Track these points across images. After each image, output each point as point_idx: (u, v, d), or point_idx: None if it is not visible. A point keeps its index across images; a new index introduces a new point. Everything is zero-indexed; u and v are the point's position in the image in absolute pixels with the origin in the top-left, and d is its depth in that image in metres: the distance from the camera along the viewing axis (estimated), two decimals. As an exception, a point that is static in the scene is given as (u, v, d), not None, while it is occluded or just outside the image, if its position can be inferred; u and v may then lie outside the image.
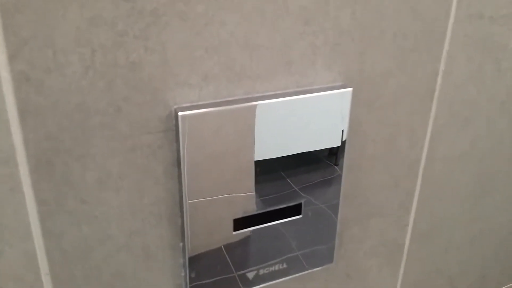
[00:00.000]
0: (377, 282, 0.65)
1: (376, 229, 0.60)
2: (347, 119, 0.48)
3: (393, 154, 0.56)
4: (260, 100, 0.44)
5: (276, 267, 0.52)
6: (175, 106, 0.42)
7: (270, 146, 0.45)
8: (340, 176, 0.51)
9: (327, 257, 0.56)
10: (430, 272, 0.70)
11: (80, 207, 0.42)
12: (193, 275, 0.48)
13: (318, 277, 0.59)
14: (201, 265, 0.48)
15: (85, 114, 0.39)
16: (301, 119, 0.46)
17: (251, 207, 0.48)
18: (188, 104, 0.42)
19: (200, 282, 0.49)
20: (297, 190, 0.49)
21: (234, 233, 0.48)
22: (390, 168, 0.56)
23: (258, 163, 0.46)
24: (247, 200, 0.47)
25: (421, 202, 0.62)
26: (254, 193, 0.47)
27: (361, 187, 0.56)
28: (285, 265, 0.53)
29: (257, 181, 0.46)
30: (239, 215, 0.47)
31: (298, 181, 0.49)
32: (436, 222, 0.65)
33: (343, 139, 0.49)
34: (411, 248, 0.65)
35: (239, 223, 0.48)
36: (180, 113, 0.41)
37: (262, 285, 0.53)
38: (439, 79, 0.54)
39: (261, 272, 0.52)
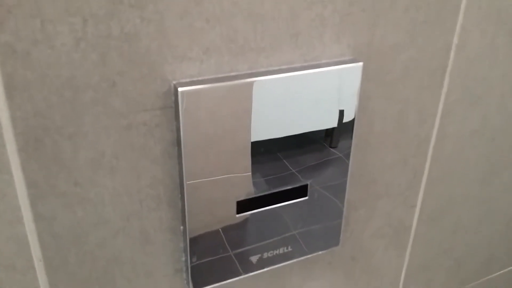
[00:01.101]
0: (382, 264, 0.63)
1: (383, 211, 0.58)
2: (356, 96, 0.45)
3: (402, 132, 0.53)
4: (265, 76, 0.41)
5: (281, 251, 0.50)
6: (174, 82, 0.39)
7: (277, 124, 0.43)
8: (348, 155, 0.48)
9: (332, 240, 0.53)
10: (437, 254, 0.68)
11: (73, 189, 0.39)
12: (194, 259, 0.46)
13: (322, 260, 0.57)
14: (202, 249, 0.46)
15: (76, 89, 0.36)
16: (309, 95, 0.43)
17: (255, 189, 0.45)
18: (188, 80, 0.39)
19: (202, 267, 0.47)
20: (303, 171, 0.47)
21: (237, 215, 0.46)
22: (398, 146, 0.54)
23: (262, 142, 0.43)
24: (250, 182, 0.44)
25: (429, 182, 0.59)
26: (258, 174, 0.44)
27: (368, 166, 0.53)
28: (289, 248, 0.51)
29: (261, 162, 0.44)
30: (243, 197, 0.45)
31: (303, 161, 0.46)
32: (444, 202, 0.63)
33: (352, 117, 0.46)
34: (418, 229, 0.63)
35: (243, 205, 0.45)
36: (180, 89, 0.38)
37: (266, 269, 0.51)
38: (452, 54, 0.51)
39: (265, 255, 0.50)
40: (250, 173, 0.44)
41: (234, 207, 0.45)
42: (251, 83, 0.40)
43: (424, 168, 0.58)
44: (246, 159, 0.43)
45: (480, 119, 0.58)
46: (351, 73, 0.44)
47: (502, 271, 0.80)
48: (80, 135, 0.38)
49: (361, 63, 0.44)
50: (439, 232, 0.66)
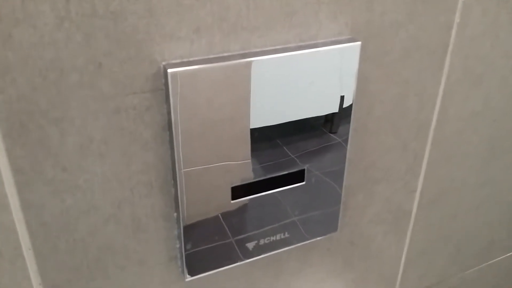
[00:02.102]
0: (382, 250, 0.62)
1: (382, 196, 0.57)
2: (354, 77, 0.44)
3: (401, 114, 0.52)
4: (258, 56, 0.39)
5: (278, 237, 0.49)
6: (163, 63, 0.37)
7: (270, 109, 0.41)
8: (346, 139, 0.47)
9: (331, 226, 0.52)
10: (437, 239, 0.67)
11: (61, 176, 0.38)
12: (188, 246, 0.45)
13: (320, 246, 0.56)
14: (197, 236, 0.45)
15: (61, 71, 0.35)
16: (305, 77, 0.41)
17: (250, 174, 0.44)
18: (178, 61, 0.38)
19: (197, 254, 0.46)
20: (301, 156, 0.45)
21: (232, 201, 0.44)
22: (398, 130, 0.52)
23: (260, 128, 0.42)
24: (245, 167, 0.43)
25: (430, 166, 0.58)
26: (251, 159, 0.43)
27: (367, 150, 0.52)
28: (287, 235, 0.49)
29: (256, 147, 0.42)
30: (238, 182, 0.43)
31: (300, 146, 0.45)
32: (445, 187, 0.62)
33: (351, 100, 0.45)
34: (418, 214, 0.62)
35: (238, 191, 0.44)
36: (169, 70, 0.36)
37: (262, 256, 0.49)
38: (453, 32, 0.50)
39: (262, 242, 0.48)
40: (247, 160, 0.43)
41: (229, 193, 0.44)
42: (245, 64, 0.38)
43: (424, 152, 0.56)
44: (241, 144, 0.42)
45: (481, 100, 0.57)
46: (349, 53, 0.42)
47: (502, 256, 0.79)
48: (67, 119, 0.36)
49: (359, 43, 0.42)
50: (439, 217, 0.65)
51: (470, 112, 0.57)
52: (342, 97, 0.44)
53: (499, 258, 0.78)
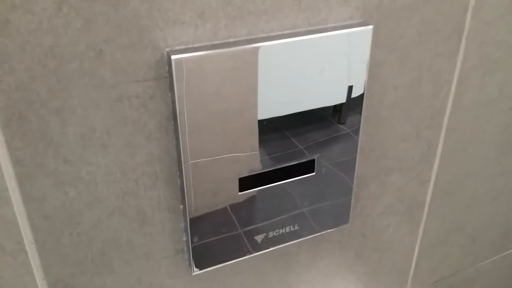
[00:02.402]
0: (394, 241, 0.60)
1: (395, 186, 0.55)
2: (366, 63, 0.42)
3: (415, 102, 0.50)
4: (265, 41, 0.37)
5: (287, 229, 0.48)
6: (167, 49, 0.36)
7: (278, 97, 0.40)
8: (357, 128, 0.45)
9: (342, 217, 0.51)
10: (451, 230, 0.65)
11: (63, 167, 0.37)
12: (195, 239, 0.44)
13: (331, 238, 0.54)
14: (204, 229, 0.43)
15: (61, 59, 0.33)
16: (315, 63, 0.40)
17: (258, 165, 0.42)
18: (183, 47, 0.36)
19: (204, 247, 0.44)
20: (310, 145, 0.44)
21: (240, 193, 0.43)
22: (411, 118, 0.51)
23: (264, 116, 0.40)
24: (253, 158, 0.42)
25: (444, 155, 0.56)
26: (259, 150, 0.41)
27: (379, 139, 0.50)
28: (296, 227, 0.48)
29: (265, 136, 0.41)
30: (245, 173, 0.42)
31: (311, 135, 0.43)
32: (459, 176, 0.60)
33: (363, 86, 0.43)
34: (432, 205, 0.60)
35: (246, 183, 0.43)
36: (173, 57, 0.35)
37: (271, 248, 0.48)
38: (469, 16, 0.48)
39: (271, 234, 0.47)
40: (255, 151, 0.41)
41: (236, 185, 0.42)
42: (252, 50, 0.37)
43: (438, 140, 0.54)
44: (248, 133, 0.40)
45: (497, 87, 0.55)
46: (360, 37, 0.41)
47: (518, 247, 0.77)
48: (68, 109, 0.35)
49: (371, 27, 0.41)
50: (454, 208, 0.63)
51: (485, 99, 0.55)
52: (354, 84, 0.42)
53: (514, 249, 0.76)
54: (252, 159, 0.42)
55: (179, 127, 0.38)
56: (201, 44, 0.37)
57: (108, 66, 0.35)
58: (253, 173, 0.42)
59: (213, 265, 0.46)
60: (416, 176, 0.56)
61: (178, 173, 0.41)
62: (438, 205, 0.61)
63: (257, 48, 0.37)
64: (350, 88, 0.42)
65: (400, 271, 0.65)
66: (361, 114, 0.45)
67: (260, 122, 0.40)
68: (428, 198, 0.59)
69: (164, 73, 0.37)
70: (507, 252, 0.76)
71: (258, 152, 0.41)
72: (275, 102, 0.40)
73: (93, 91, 0.35)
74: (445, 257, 0.68)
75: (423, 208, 0.60)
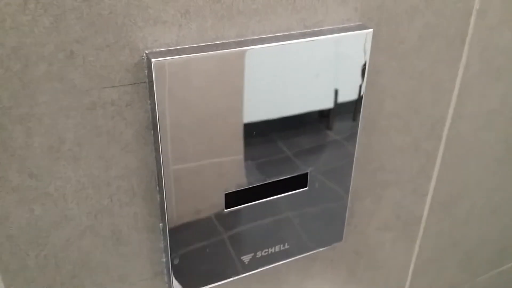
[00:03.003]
0: (389, 259, 0.57)
1: (391, 200, 0.52)
2: (365, 69, 0.39)
3: (414, 111, 0.46)
4: (256, 44, 0.34)
5: (277, 248, 0.44)
6: (146, 51, 0.32)
7: (272, 103, 0.36)
8: (354, 139, 0.42)
9: (335, 235, 0.47)
10: (448, 246, 0.62)
11: (28, 182, 0.33)
12: (176, 261, 0.40)
13: (323, 256, 0.51)
14: (186, 249, 0.39)
15: (26, 61, 0.29)
16: (309, 68, 0.36)
17: (247, 180, 0.39)
18: (164, 49, 0.33)
19: (186, 269, 0.40)
20: (303, 158, 0.40)
21: (226, 210, 0.39)
22: (410, 128, 0.47)
23: (255, 125, 0.36)
24: (241, 172, 0.38)
25: (443, 167, 0.53)
26: (250, 162, 0.38)
27: (376, 151, 0.47)
28: (286, 246, 0.44)
29: (253, 148, 0.37)
30: (232, 188, 0.38)
31: (303, 147, 0.40)
32: (458, 190, 0.57)
33: (360, 94, 0.40)
34: (429, 220, 0.57)
35: (232, 198, 0.39)
36: (153, 60, 0.31)
37: (258, 270, 0.44)
38: (472, 20, 0.45)
39: (259, 254, 0.43)
40: (242, 162, 0.37)
41: (222, 201, 0.39)
42: (241, 54, 0.33)
43: (437, 152, 0.51)
44: (236, 145, 0.37)
45: (499, 97, 0.52)
46: (359, 41, 0.37)
47: (514, 262, 0.74)
48: (34, 117, 0.31)
49: (370, 30, 0.37)
50: (451, 223, 0.60)
51: (486, 109, 0.52)
52: (350, 92, 0.39)
53: (510, 265, 0.74)
54: (239, 173, 0.38)
55: (159, 137, 0.34)
56: (185, 46, 0.33)
57: (79, 69, 0.31)
58: (241, 188, 0.39)
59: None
60: (413, 190, 0.53)
61: (157, 188, 0.37)
62: (435, 220, 0.58)
63: (248, 52, 0.33)
64: (350, 94, 0.39)
65: (394, 288, 0.62)
66: (357, 123, 0.41)
67: (250, 133, 0.36)
68: (425, 213, 0.56)
69: (143, 78, 0.33)
70: (502, 268, 0.73)
71: (246, 164, 0.38)
72: (265, 109, 0.36)
73: (62, 98, 0.31)
74: (441, 273, 0.65)
75: (419, 223, 0.56)
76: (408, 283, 0.62)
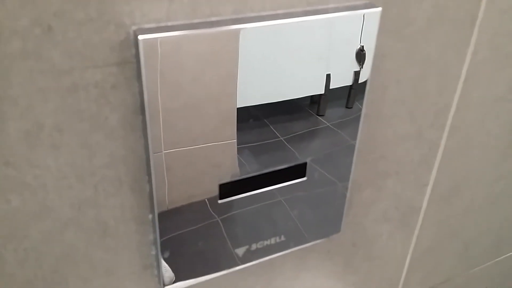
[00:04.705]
0: (386, 250, 0.55)
1: (391, 191, 0.49)
2: (372, 52, 0.36)
3: (419, 97, 0.44)
4: (255, 22, 0.31)
5: (273, 241, 0.42)
6: (133, 27, 0.29)
7: (265, 87, 0.33)
8: (357, 126, 0.39)
9: (333, 226, 0.45)
10: (445, 237, 0.60)
11: (4, 171, 0.30)
12: (166, 254, 0.37)
13: (319, 248, 0.48)
14: (177, 241, 0.37)
15: (-3, 36, 0.26)
16: (312, 49, 0.33)
17: (242, 169, 0.36)
18: (153, 25, 0.30)
19: (177, 262, 0.38)
20: (300, 146, 0.38)
21: (220, 201, 0.37)
22: (414, 115, 0.45)
23: (250, 109, 0.34)
24: (236, 160, 0.35)
25: (445, 157, 0.51)
26: (246, 150, 0.35)
27: (378, 139, 0.44)
28: (282, 238, 0.42)
29: (247, 134, 0.35)
30: (227, 178, 0.36)
31: (301, 135, 0.37)
32: (459, 180, 0.55)
33: (364, 78, 0.37)
34: (428, 211, 0.55)
35: (227, 189, 0.36)
36: (140, 37, 0.28)
37: (253, 262, 0.42)
38: (483, 3, 0.42)
39: (254, 247, 0.41)
40: (236, 150, 0.35)
41: (216, 191, 0.36)
42: (238, 32, 0.30)
43: (440, 141, 0.49)
44: (231, 131, 0.34)
45: (506, 84, 0.50)
46: (367, 21, 0.34)
47: (510, 253, 0.73)
48: (8, 100, 0.28)
49: (379, 9, 0.34)
50: (450, 213, 0.58)
51: (493, 96, 0.50)
52: (355, 76, 0.36)
53: (506, 255, 0.72)
54: (235, 162, 0.35)
55: (147, 123, 0.31)
56: (176, 23, 0.30)
57: (58, 46, 0.28)
58: (236, 179, 0.36)
59: (186, 280, 0.40)
60: (414, 180, 0.50)
61: (146, 177, 0.35)
62: (434, 211, 0.56)
63: (245, 30, 0.30)
64: (347, 81, 0.36)
65: (391, 280, 0.60)
66: (360, 110, 0.39)
67: (245, 119, 0.34)
68: (425, 204, 0.54)
69: (130, 58, 0.30)
70: (499, 258, 0.72)
71: (241, 153, 0.35)
72: (261, 93, 0.33)
73: (40, 79, 0.28)
74: (437, 264, 0.64)
75: (418, 214, 0.54)
76: (404, 274, 0.60)
